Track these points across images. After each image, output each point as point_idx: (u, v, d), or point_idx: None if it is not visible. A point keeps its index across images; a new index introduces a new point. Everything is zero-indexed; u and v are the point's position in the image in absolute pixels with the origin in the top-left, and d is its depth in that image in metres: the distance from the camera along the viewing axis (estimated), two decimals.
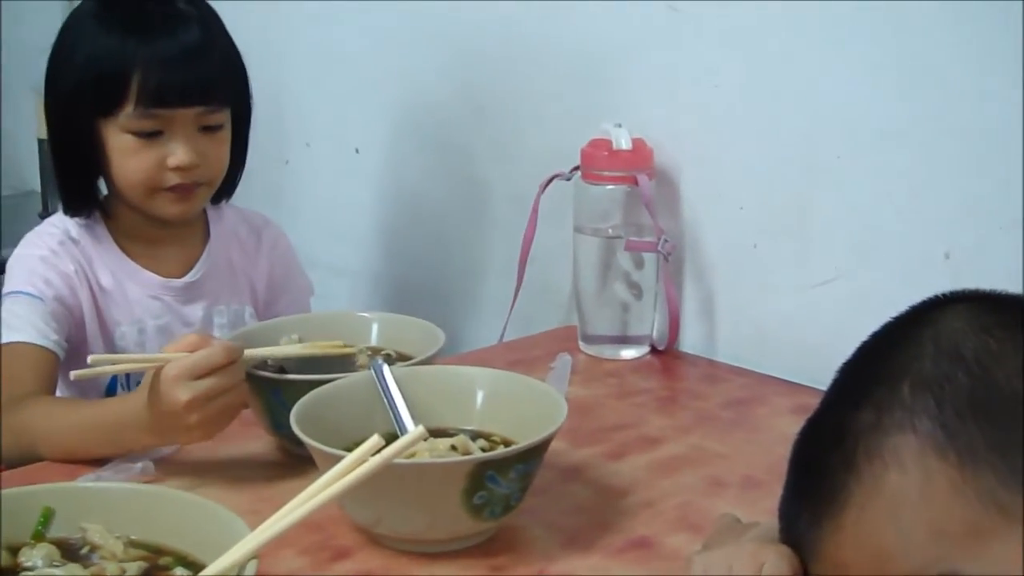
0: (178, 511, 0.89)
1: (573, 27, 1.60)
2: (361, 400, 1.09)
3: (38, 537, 0.88)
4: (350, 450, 0.83)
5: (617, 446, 1.23)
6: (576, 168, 1.51)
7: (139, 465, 1.13)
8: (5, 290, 1.37)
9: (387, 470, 0.81)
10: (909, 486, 0.59)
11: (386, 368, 1.10)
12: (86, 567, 0.85)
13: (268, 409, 1.17)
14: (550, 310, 1.68)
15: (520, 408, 1.08)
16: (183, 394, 1.05)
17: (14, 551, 0.86)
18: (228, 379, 1.07)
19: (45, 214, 2.40)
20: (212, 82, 1.36)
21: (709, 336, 1.52)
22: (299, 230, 1.63)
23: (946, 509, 0.58)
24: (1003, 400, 0.59)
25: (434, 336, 1.24)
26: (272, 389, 1.15)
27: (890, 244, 1.31)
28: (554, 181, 1.54)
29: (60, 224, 1.42)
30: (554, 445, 1.02)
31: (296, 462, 1.13)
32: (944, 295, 0.66)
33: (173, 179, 1.35)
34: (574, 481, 1.14)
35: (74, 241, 1.41)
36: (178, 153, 1.34)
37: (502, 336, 1.61)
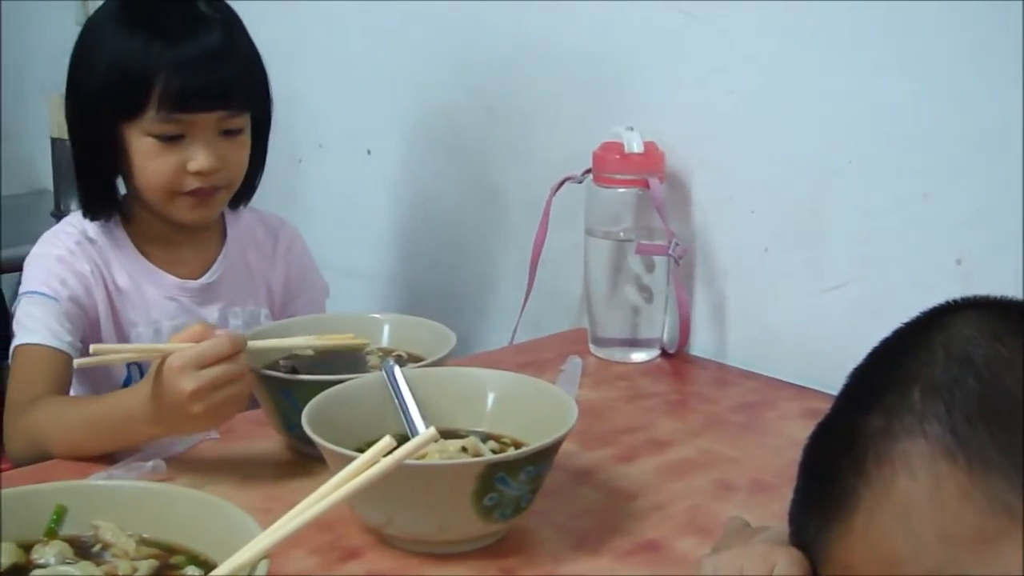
0: (189, 509, 0.89)
1: (585, 31, 1.60)
2: (372, 401, 1.09)
3: (51, 535, 0.89)
4: (361, 451, 0.84)
5: (627, 449, 1.23)
6: (588, 171, 1.51)
7: (151, 464, 1.13)
8: (22, 289, 1.37)
9: (398, 471, 0.81)
10: (919, 490, 0.59)
11: (397, 369, 1.11)
12: (98, 565, 0.85)
13: (279, 409, 1.17)
14: (561, 312, 1.68)
15: (530, 410, 1.08)
16: (188, 384, 1.05)
17: (27, 548, 0.87)
18: (233, 369, 1.07)
19: (57, 212, 2.41)
20: (233, 86, 1.35)
21: (719, 340, 1.52)
22: (312, 232, 1.63)
23: (955, 513, 0.58)
24: (1013, 405, 0.59)
25: (445, 338, 1.25)
26: (283, 390, 1.16)
27: (901, 250, 1.31)
28: (566, 184, 1.54)
29: (78, 224, 1.42)
30: (564, 447, 1.03)
31: (306, 461, 1.13)
32: (955, 301, 0.67)
33: (193, 183, 1.35)
34: (584, 483, 1.15)
35: (91, 241, 1.41)
36: (199, 157, 1.33)
37: (513, 338, 1.61)
